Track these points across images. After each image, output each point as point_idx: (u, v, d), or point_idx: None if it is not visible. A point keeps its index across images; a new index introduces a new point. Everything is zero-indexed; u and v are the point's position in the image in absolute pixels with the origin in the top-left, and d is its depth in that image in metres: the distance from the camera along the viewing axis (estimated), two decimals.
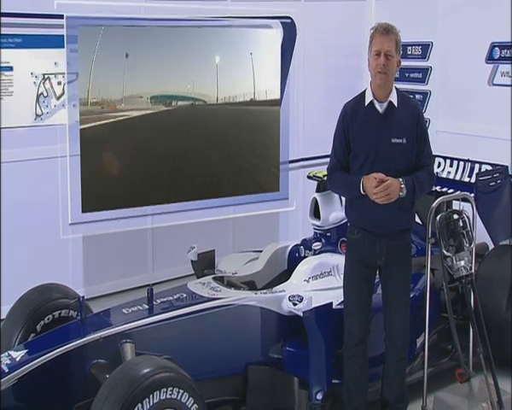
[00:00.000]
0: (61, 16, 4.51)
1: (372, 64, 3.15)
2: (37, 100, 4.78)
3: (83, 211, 3.62)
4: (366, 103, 3.20)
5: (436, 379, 3.65)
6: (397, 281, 3.28)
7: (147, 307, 3.35)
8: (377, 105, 3.19)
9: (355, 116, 3.21)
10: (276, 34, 4.85)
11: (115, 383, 2.62)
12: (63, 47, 4.59)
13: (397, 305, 3.30)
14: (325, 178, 3.97)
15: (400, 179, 3.10)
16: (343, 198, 3.96)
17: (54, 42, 4.65)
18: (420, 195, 3.23)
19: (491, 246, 4.36)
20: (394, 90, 3.21)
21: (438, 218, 3.33)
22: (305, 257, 3.97)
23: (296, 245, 4.09)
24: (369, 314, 3.31)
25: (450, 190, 4.47)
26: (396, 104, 3.20)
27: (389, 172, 3.11)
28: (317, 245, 3.98)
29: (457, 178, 4.68)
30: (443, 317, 3.90)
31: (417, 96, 5.93)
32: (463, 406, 3.28)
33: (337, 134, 3.27)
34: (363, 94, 3.25)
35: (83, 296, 3.22)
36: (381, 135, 3.16)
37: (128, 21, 4.25)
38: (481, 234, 4.28)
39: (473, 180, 4.46)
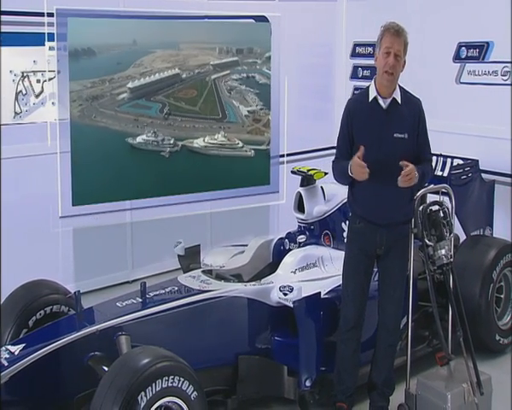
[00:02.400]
0: (41, 14, 4.52)
1: (380, 62, 3.22)
2: (16, 98, 4.76)
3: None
4: (370, 99, 3.28)
5: (417, 364, 3.79)
6: (394, 270, 3.40)
7: (140, 300, 3.40)
8: (381, 101, 3.27)
9: (359, 111, 3.30)
10: None
11: (118, 373, 2.66)
12: (42, 45, 4.60)
13: (392, 293, 3.41)
14: (309, 172, 4.12)
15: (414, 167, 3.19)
16: (327, 192, 4.12)
17: (33, 40, 4.65)
18: (422, 185, 3.36)
19: (462, 237, 4.56)
20: (398, 88, 3.30)
21: (420, 209, 3.48)
22: (289, 250, 4.07)
23: (281, 238, 4.19)
24: (365, 302, 3.41)
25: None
26: (400, 101, 3.28)
27: (392, 166, 3.20)
28: (301, 238, 4.09)
29: None
30: (420, 305, 4.07)
31: None
32: (445, 387, 3.41)
33: (341, 129, 3.35)
34: (366, 90, 3.33)
35: (79, 291, 3.25)
36: (384, 130, 3.25)
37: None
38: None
39: (445, 174, 4.67)
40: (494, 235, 4.72)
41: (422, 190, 3.57)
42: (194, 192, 4.66)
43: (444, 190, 3.69)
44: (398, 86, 3.31)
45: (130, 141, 4.84)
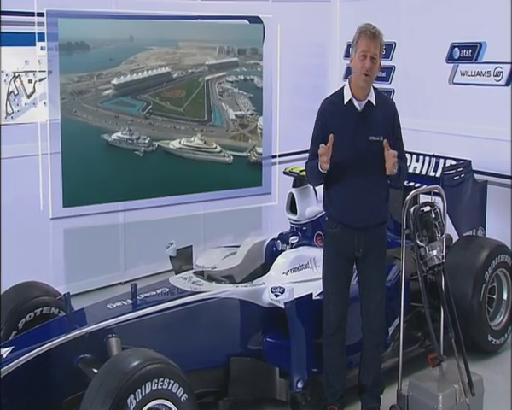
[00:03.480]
0: (31, 14, 4.50)
1: (357, 64, 3.23)
2: (8, 98, 4.74)
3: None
4: (345, 101, 3.29)
5: (409, 365, 3.79)
6: (373, 271, 3.41)
7: (131, 301, 3.38)
8: (356, 103, 3.28)
9: (333, 113, 3.29)
10: None
11: (107, 375, 2.65)
12: (34, 45, 4.58)
13: (373, 294, 3.42)
14: (301, 173, 4.11)
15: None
16: (319, 193, 4.10)
17: (24, 40, 4.63)
18: (400, 181, 3.38)
19: (455, 238, 4.56)
20: (372, 90, 3.31)
21: (412, 210, 3.48)
22: (282, 251, 4.07)
23: (273, 239, 4.18)
24: (346, 304, 3.43)
25: (417, 185, 4.65)
26: (374, 103, 3.30)
27: (367, 168, 3.22)
28: (293, 239, 4.09)
29: (423, 172, 4.85)
30: (412, 306, 4.07)
31: None
32: (437, 388, 3.40)
33: (315, 130, 3.35)
34: (341, 91, 3.33)
35: (68, 293, 3.23)
36: (359, 132, 3.26)
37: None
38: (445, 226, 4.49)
39: (438, 175, 4.66)
40: (486, 235, 4.72)
41: (414, 191, 3.57)
42: (167, 195, 4.60)
43: (435, 190, 3.69)
44: (372, 88, 3.32)
45: (106, 138, 4.76)
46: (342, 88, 3.34)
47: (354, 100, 3.28)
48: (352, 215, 3.32)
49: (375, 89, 3.35)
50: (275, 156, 5.12)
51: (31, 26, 4.53)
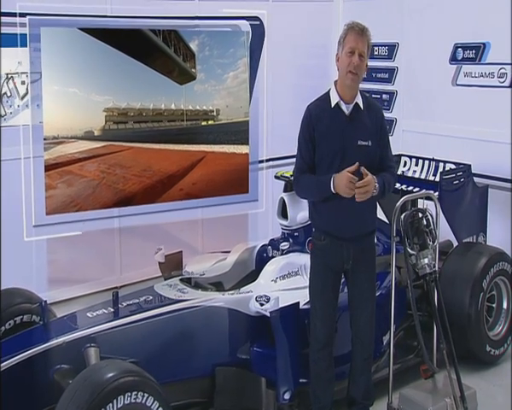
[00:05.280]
0: (23, 15, 4.45)
1: (344, 62, 3.11)
2: (1, 100, 4.69)
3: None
4: (332, 105, 3.18)
5: (401, 376, 3.69)
6: (363, 283, 3.30)
7: (112, 310, 3.31)
8: (343, 106, 3.18)
9: (320, 117, 3.18)
10: None
11: (78, 388, 2.58)
12: (27, 46, 4.52)
13: (363, 306, 3.31)
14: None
15: (374, 177, 3.09)
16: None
17: (17, 41, 4.58)
18: (386, 195, 3.25)
19: (456, 243, 4.43)
20: (359, 93, 3.21)
21: (402, 216, 3.37)
22: (272, 257, 3.98)
23: (264, 245, 4.09)
24: (334, 318, 3.32)
25: (416, 189, 4.52)
26: (362, 106, 3.20)
27: (355, 173, 3.09)
28: (284, 245, 3.99)
29: (423, 176, 4.73)
30: (409, 314, 3.95)
31: (384, 96, 6.00)
32: (427, 401, 3.31)
33: (302, 136, 3.22)
34: (327, 94, 3.23)
35: (45, 301, 3.17)
36: (347, 137, 3.15)
37: (91, 23, 4.19)
38: (446, 232, 4.37)
39: (437, 179, 4.54)
40: (488, 242, 4.58)
41: (405, 197, 3.46)
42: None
43: (428, 196, 3.57)
44: (359, 91, 3.22)
45: None
46: (328, 91, 3.24)
47: (342, 103, 3.18)
48: (341, 226, 3.20)
49: (361, 92, 3.25)
50: (262, 161, 5.01)
51: (24, 27, 4.48)
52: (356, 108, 3.19)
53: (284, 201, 4.01)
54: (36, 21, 4.04)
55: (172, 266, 4.01)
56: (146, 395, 2.66)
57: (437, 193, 4.03)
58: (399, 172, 4.86)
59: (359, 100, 3.20)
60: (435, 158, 4.73)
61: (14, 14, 4.27)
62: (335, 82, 3.22)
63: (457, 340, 3.87)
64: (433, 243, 3.39)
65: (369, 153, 3.17)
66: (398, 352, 3.81)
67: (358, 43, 3.07)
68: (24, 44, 4.53)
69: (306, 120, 3.22)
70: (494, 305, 4.21)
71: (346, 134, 3.16)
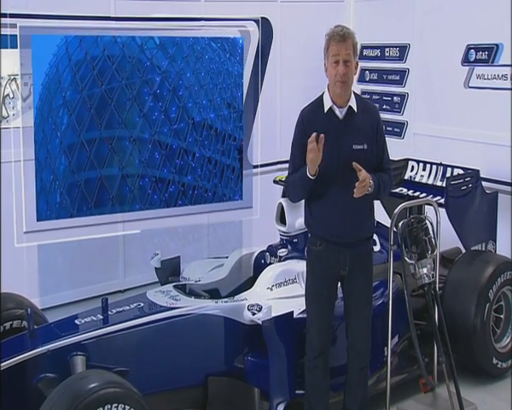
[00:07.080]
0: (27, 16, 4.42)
1: (331, 72, 3.06)
2: (3, 101, 4.68)
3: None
4: (325, 109, 3.11)
5: (400, 389, 3.58)
6: (360, 291, 3.21)
7: (101, 317, 3.25)
8: (337, 111, 3.11)
9: (314, 122, 3.10)
10: None
11: (57, 399, 2.52)
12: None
13: (360, 314, 3.22)
14: None
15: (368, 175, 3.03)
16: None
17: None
18: (382, 195, 3.19)
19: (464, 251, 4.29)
20: (353, 95, 3.14)
21: (400, 224, 3.25)
22: (270, 264, 3.88)
23: (262, 251, 4.00)
24: (330, 326, 3.25)
25: (423, 195, 4.41)
26: (356, 109, 3.12)
27: (351, 179, 3.02)
28: (282, 252, 3.89)
29: (430, 182, 4.60)
30: (414, 323, 3.83)
31: (395, 99, 5.88)
32: None
33: (295, 142, 3.17)
34: (320, 99, 3.16)
35: (30, 308, 3.12)
36: (342, 141, 3.08)
37: (84, 31, 4.11)
38: (455, 239, 4.23)
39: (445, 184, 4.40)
40: (498, 250, 4.42)
41: (403, 204, 3.35)
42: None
43: (429, 203, 3.44)
44: (353, 93, 3.13)
45: None
46: (321, 95, 3.16)
47: (335, 107, 3.10)
48: (338, 231, 3.12)
49: (356, 94, 3.17)
50: (274, 164, 4.93)
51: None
52: (350, 112, 3.11)
53: (283, 206, 3.92)
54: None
55: (169, 271, 3.95)
56: (127, 407, 2.59)
57: (443, 199, 3.90)
58: (407, 177, 4.75)
59: (353, 103, 3.11)
60: (443, 163, 4.60)
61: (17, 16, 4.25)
62: (328, 86, 3.14)
63: (463, 351, 3.75)
64: (433, 252, 3.26)
65: (365, 156, 3.09)
66: (402, 362, 3.72)
67: (341, 51, 3.01)
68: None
69: (299, 125, 3.16)
70: (502, 316, 4.06)
71: (340, 138, 3.09)
